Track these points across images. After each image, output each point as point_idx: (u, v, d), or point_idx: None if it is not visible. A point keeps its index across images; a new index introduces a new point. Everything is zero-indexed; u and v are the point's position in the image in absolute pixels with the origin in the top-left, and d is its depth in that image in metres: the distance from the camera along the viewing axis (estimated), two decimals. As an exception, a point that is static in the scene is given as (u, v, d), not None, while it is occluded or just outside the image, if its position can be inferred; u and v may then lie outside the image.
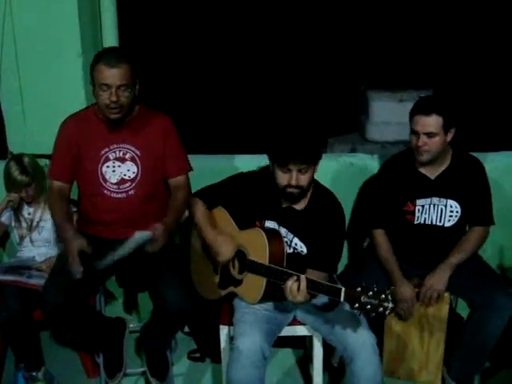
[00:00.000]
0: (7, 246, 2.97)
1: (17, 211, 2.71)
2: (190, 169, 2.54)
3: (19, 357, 2.59)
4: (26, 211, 2.72)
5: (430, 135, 2.36)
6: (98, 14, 3.01)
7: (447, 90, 5.19)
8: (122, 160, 2.41)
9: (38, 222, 2.71)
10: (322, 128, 2.27)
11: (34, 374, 2.57)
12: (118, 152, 2.41)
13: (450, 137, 2.41)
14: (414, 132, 2.40)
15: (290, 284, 2.04)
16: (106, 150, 2.41)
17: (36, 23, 2.80)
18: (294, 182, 2.17)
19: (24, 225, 2.72)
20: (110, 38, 3.05)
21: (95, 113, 2.41)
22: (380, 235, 2.55)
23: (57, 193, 2.45)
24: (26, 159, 2.65)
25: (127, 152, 2.41)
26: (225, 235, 2.30)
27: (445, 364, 2.60)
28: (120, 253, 2.28)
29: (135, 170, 2.41)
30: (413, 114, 2.40)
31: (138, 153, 2.42)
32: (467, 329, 2.44)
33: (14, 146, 2.96)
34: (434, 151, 2.40)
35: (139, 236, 2.27)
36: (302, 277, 2.03)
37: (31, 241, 2.72)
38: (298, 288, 2.02)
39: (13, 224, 2.74)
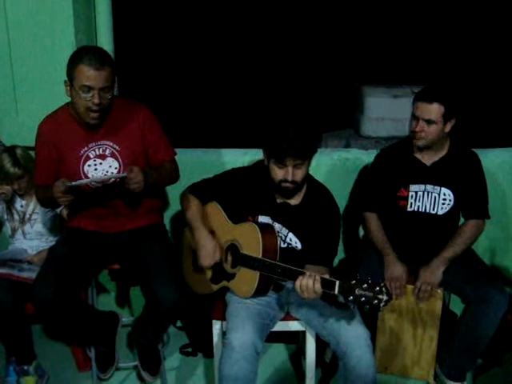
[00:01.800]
0: (-1, 238, 2.95)
1: (9, 204, 2.69)
2: (175, 153, 2.52)
3: (10, 350, 2.57)
4: (19, 204, 2.70)
5: (429, 122, 2.39)
6: (93, 3, 2.99)
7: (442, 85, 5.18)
8: (103, 157, 2.39)
9: (30, 215, 2.69)
10: (317, 123, 2.26)
11: (25, 367, 2.56)
12: (97, 150, 2.38)
13: (448, 127, 2.44)
14: (414, 116, 2.44)
15: (306, 281, 2.01)
16: (85, 149, 2.38)
17: (29, 15, 2.78)
18: (290, 178, 2.17)
19: (16, 217, 2.70)
20: (104, 29, 3.03)
21: (70, 112, 2.36)
22: (372, 218, 2.58)
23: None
24: (19, 151, 2.63)
25: (106, 148, 2.39)
26: (212, 239, 2.28)
27: (437, 360, 2.61)
28: (93, 179, 2.32)
29: (117, 165, 2.39)
30: (416, 99, 2.44)
31: (117, 148, 2.39)
32: (460, 324, 2.44)
33: (6, 138, 2.93)
34: (430, 138, 2.43)
35: (114, 174, 2.33)
36: (317, 276, 2.01)
37: (23, 233, 2.71)
38: (313, 285, 2.00)
39: (5, 216, 2.72)
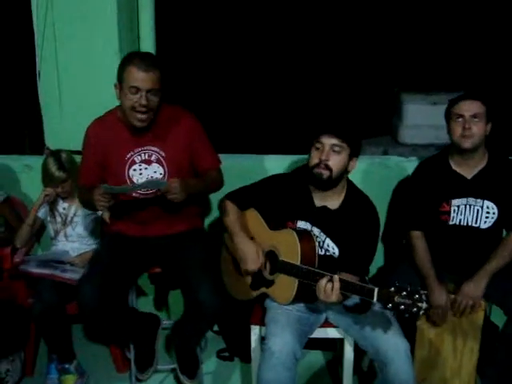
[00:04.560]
0: (42, 240, 3.02)
1: (52, 206, 2.76)
2: (219, 162, 2.55)
3: (52, 348, 2.63)
4: (61, 206, 2.76)
5: (475, 117, 2.37)
6: (136, 12, 3.05)
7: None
8: (148, 162, 2.42)
9: (72, 217, 2.75)
10: (359, 118, 2.30)
11: (66, 366, 2.61)
12: (143, 154, 2.42)
13: (488, 129, 2.42)
14: (458, 117, 2.40)
15: (324, 284, 2.03)
16: (132, 153, 2.41)
17: (75, 20, 2.85)
18: (324, 157, 2.16)
19: (59, 219, 2.76)
20: (147, 37, 3.08)
21: (119, 116, 2.41)
22: (418, 237, 2.51)
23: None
24: (64, 155, 2.69)
25: (152, 154, 2.42)
26: (254, 244, 2.29)
27: (478, 373, 2.56)
28: (132, 187, 2.35)
29: (162, 171, 2.42)
30: (455, 102, 2.42)
31: (163, 154, 2.42)
32: (504, 337, 2.39)
33: (51, 142, 3.01)
34: (477, 138, 2.39)
35: (155, 180, 2.35)
36: (336, 277, 2.02)
37: (65, 235, 2.76)
38: (332, 288, 2.01)
39: (48, 219, 2.78)
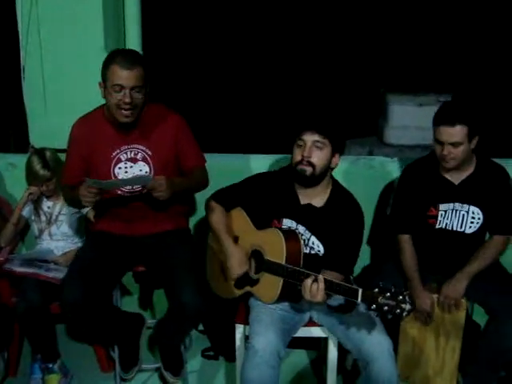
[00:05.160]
0: (26, 239, 2.99)
1: (36, 205, 2.74)
2: (204, 161, 2.56)
3: (36, 348, 2.61)
4: (46, 205, 2.75)
5: (455, 145, 2.33)
6: (122, 8, 3.03)
7: (468, 94, 5.14)
8: (134, 160, 2.42)
9: (56, 216, 2.73)
10: (341, 113, 2.30)
11: (50, 365, 2.59)
12: (129, 153, 2.42)
13: (473, 144, 2.39)
14: (438, 142, 2.37)
15: (309, 284, 2.04)
16: (117, 151, 2.41)
17: (60, 18, 2.83)
18: (306, 153, 2.17)
19: (43, 218, 2.75)
20: (133, 34, 3.06)
21: (104, 114, 2.41)
22: (406, 241, 2.53)
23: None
24: (48, 153, 2.68)
25: (138, 152, 2.42)
26: (239, 248, 2.30)
27: (460, 371, 2.58)
28: (118, 182, 2.36)
29: (147, 169, 2.42)
30: (436, 123, 2.37)
31: (149, 152, 2.42)
32: (485, 336, 2.42)
33: (36, 140, 2.99)
34: (460, 159, 2.38)
35: (140, 176, 2.35)
36: (320, 277, 2.03)
37: (50, 234, 2.75)
38: (317, 288, 2.02)
39: (32, 217, 2.76)
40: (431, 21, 6.32)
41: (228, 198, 2.39)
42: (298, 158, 2.21)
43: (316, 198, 2.30)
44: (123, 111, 2.27)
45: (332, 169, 2.28)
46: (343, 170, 2.80)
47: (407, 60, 6.25)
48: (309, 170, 2.20)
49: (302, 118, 2.21)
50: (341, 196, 2.32)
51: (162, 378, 2.64)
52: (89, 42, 2.85)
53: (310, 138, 2.18)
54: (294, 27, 6.51)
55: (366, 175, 2.94)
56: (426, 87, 5.18)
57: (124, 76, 2.22)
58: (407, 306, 1.86)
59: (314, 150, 2.18)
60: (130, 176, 2.40)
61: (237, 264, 2.27)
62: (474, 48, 6.18)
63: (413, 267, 2.49)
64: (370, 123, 5.47)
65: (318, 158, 2.19)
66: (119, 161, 2.42)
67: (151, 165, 2.42)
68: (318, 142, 2.18)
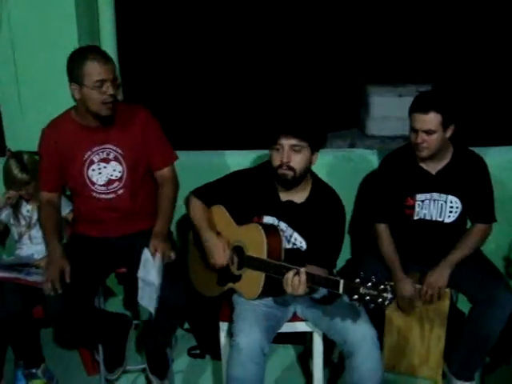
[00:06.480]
0: (6, 243, 2.96)
1: (15, 209, 2.70)
2: (175, 158, 2.55)
3: (18, 354, 2.58)
4: (25, 209, 2.71)
5: (428, 132, 2.34)
6: (96, 9, 3.00)
7: (447, 84, 5.17)
8: (107, 161, 2.41)
9: (36, 220, 2.69)
10: (321, 112, 2.28)
11: (33, 371, 2.56)
12: (101, 153, 2.41)
13: (449, 133, 2.40)
14: (413, 129, 2.39)
15: (291, 277, 2.03)
16: (89, 153, 2.41)
17: (32, 17, 2.80)
18: (285, 159, 2.16)
19: (23, 222, 2.71)
20: (108, 35, 3.04)
21: (73, 116, 2.40)
22: (383, 230, 2.55)
23: (47, 204, 2.49)
24: (26, 157, 2.64)
25: (110, 152, 2.41)
26: (221, 239, 2.29)
27: (445, 359, 2.60)
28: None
29: (121, 169, 2.42)
30: (411, 111, 2.38)
31: (120, 151, 2.42)
32: (468, 324, 2.43)
33: (12, 143, 2.95)
34: (433, 148, 2.39)
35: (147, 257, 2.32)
36: (302, 270, 2.03)
37: (30, 238, 2.72)
38: (299, 281, 2.02)
39: (11, 221, 2.73)
40: (410, 12, 6.34)
41: (209, 193, 2.39)
42: (277, 162, 2.20)
43: (296, 194, 2.29)
44: (108, 104, 2.28)
45: (311, 165, 2.27)
46: (323, 163, 2.80)
47: (387, 51, 6.27)
48: (290, 174, 2.19)
49: (278, 121, 2.18)
50: (321, 191, 2.32)
51: (148, 378, 2.62)
52: (63, 44, 2.81)
53: (286, 142, 2.16)
54: (272, 21, 6.49)
55: (345, 168, 2.95)
56: (405, 78, 5.20)
57: (104, 70, 2.23)
58: (389, 295, 1.85)
59: (292, 153, 2.17)
60: (103, 178, 2.41)
61: (219, 254, 2.26)
62: (454, 38, 6.22)
63: (392, 255, 2.50)
64: (352, 116, 5.48)
65: (298, 161, 2.18)
66: (92, 162, 2.41)
67: (123, 164, 2.42)
68: (295, 145, 2.16)
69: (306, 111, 2.21)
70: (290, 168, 2.18)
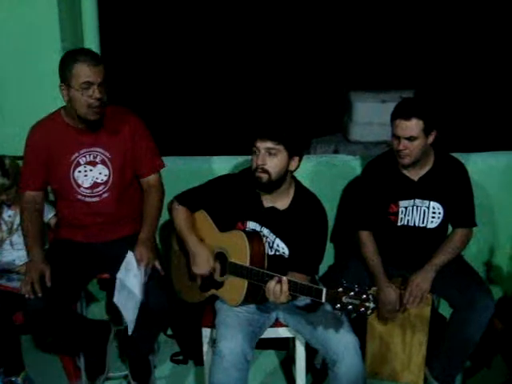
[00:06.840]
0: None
1: (-4, 214, 2.68)
2: (163, 166, 2.54)
3: (-2, 361, 2.55)
4: (6, 214, 2.68)
5: (410, 139, 2.36)
6: (79, 10, 2.98)
7: (429, 90, 5.22)
8: (93, 164, 2.40)
9: (18, 225, 2.66)
10: (301, 118, 2.29)
11: (13, 379, 2.53)
12: (88, 156, 2.40)
13: (431, 139, 2.42)
14: (394, 136, 2.41)
15: (273, 286, 2.04)
16: (76, 154, 2.39)
17: (14, 19, 2.77)
18: (259, 162, 2.17)
19: (4, 228, 2.69)
20: (91, 36, 3.02)
21: (62, 118, 2.39)
22: (366, 237, 2.55)
23: (29, 205, 2.45)
24: (7, 161, 2.61)
25: (97, 155, 2.40)
26: (205, 247, 2.29)
27: (427, 364, 2.62)
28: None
29: (107, 172, 2.41)
30: (393, 118, 2.40)
31: (108, 155, 2.41)
32: (449, 329, 2.46)
33: (-7, 147, 2.92)
34: (415, 154, 2.40)
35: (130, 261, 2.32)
36: (284, 278, 2.03)
37: (11, 244, 2.69)
38: (281, 290, 2.02)
39: (-8, 227, 2.70)
40: (392, 19, 6.39)
41: (192, 199, 2.38)
42: (253, 165, 2.21)
43: (279, 200, 2.30)
44: (94, 109, 2.27)
45: (292, 171, 2.28)
46: (306, 169, 2.80)
47: (369, 58, 6.31)
48: (264, 176, 2.19)
49: (255, 124, 2.20)
50: (304, 198, 2.32)
51: (130, 385, 2.61)
52: (45, 48, 2.79)
53: (262, 145, 2.17)
54: (256, 27, 6.50)
55: (328, 174, 2.95)
56: (388, 84, 5.25)
57: (91, 73, 2.22)
58: (371, 305, 1.87)
59: (267, 157, 2.18)
60: (89, 181, 2.38)
61: (203, 261, 2.26)
62: (436, 45, 6.27)
63: (376, 262, 2.51)
64: (335, 122, 5.51)
65: (273, 164, 2.18)
66: (78, 164, 2.39)
67: (110, 168, 2.40)
68: (270, 148, 2.17)
69: (282, 115, 2.22)
70: (265, 171, 2.18)
